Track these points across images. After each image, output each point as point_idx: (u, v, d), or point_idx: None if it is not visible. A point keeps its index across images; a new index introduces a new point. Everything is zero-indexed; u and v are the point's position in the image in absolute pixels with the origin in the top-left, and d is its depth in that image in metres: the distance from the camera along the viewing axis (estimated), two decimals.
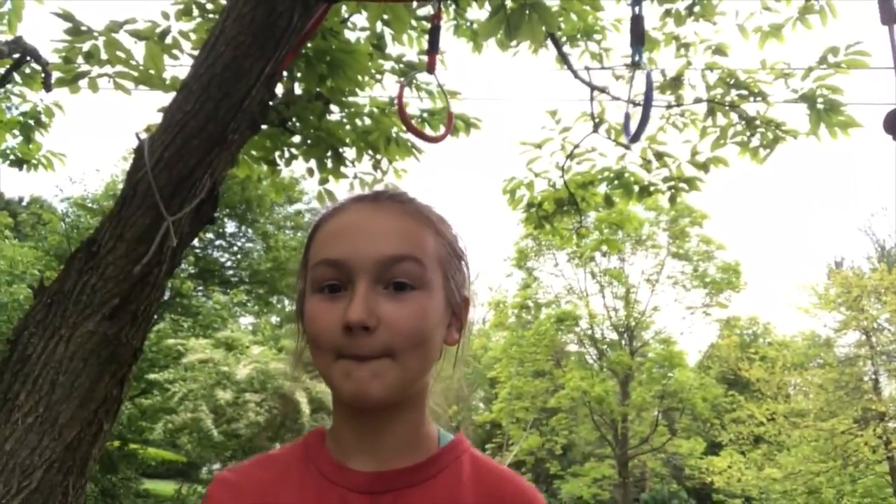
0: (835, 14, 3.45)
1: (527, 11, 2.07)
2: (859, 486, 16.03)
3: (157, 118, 3.17)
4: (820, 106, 3.51)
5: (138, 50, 2.84)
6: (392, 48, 3.72)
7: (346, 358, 0.72)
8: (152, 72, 2.32)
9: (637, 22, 1.21)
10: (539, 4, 2.11)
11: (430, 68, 1.33)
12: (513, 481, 0.81)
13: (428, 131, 3.92)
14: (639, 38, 1.20)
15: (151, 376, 12.52)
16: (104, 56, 2.85)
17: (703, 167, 3.83)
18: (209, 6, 3.28)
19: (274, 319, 22.83)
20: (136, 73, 2.73)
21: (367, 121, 3.68)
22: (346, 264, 0.73)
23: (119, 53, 2.67)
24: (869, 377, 16.10)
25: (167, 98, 2.81)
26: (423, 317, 0.74)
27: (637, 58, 1.21)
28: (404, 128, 3.65)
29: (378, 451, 0.77)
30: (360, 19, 3.54)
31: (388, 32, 3.64)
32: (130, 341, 1.75)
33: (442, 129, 3.76)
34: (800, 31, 3.55)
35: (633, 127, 1.36)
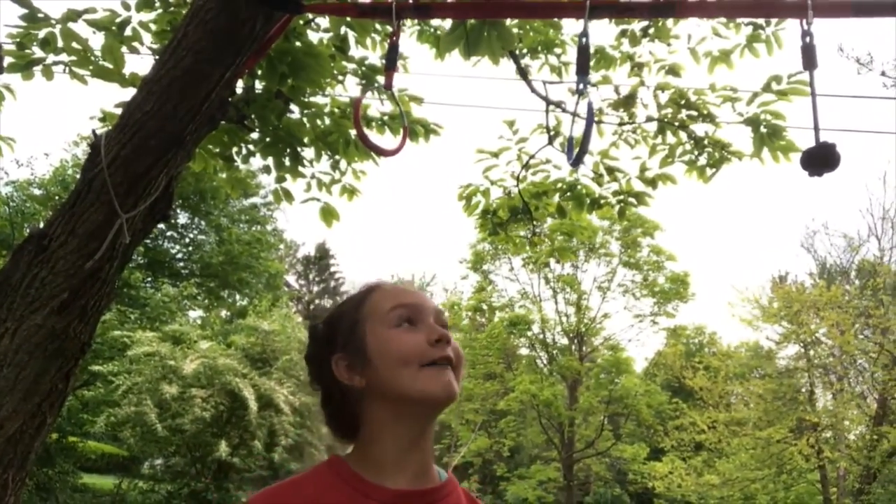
0: (780, 44, 3.62)
1: (485, 29, 2.14)
2: (792, 494, 16.64)
3: (110, 105, 3.14)
4: (763, 130, 3.67)
5: (97, 40, 2.82)
6: (355, 51, 3.76)
7: (433, 365, 0.96)
8: (110, 66, 2.30)
9: (583, 53, 1.28)
10: (497, 22, 2.18)
11: (388, 85, 1.38)
12: None
13: (388, 136, 3.96)
14: (583, 68, 1.27)
15: (95, 368, 12.21)
16: (61, 44, 2.81)
17: (652, 183, 3.97)
18: None
19: (224, 314, 22.47)
20: (91, 66, 2.71)
21: (328, 121, 3.70)
22: (418, 307, 1.01)
23: (75, 45, 2.64)
24: (805, 389, 16.72)
25: (126, 91, 2.80)
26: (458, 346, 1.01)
27: (581, 87, 1.28)
28: (366, 130, 3.69)
29: (414, 466, 0.98)
30: (324, 21, 3.57)
31: (351, 35, 3.67)
32: (79, 336, 1.74)
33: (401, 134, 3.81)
34: (747, 59, 3.71)
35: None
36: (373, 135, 3.91)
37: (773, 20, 3.56)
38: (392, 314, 0.99)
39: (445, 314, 1.04)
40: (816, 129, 1.25)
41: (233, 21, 1.51)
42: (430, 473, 1.00)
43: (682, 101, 3.86)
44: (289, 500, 0.95)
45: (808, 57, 1.28)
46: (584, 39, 1.33)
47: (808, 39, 1.32)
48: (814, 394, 16.76)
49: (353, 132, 3.72)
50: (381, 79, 3.73)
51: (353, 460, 1.00)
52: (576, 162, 1.25)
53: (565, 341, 22.39)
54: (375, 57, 3.83)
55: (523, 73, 3.57)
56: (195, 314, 20.87)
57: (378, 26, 3.71)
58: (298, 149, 3.66)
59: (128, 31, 3.05)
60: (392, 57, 1.40)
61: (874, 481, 14.85)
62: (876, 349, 15.34)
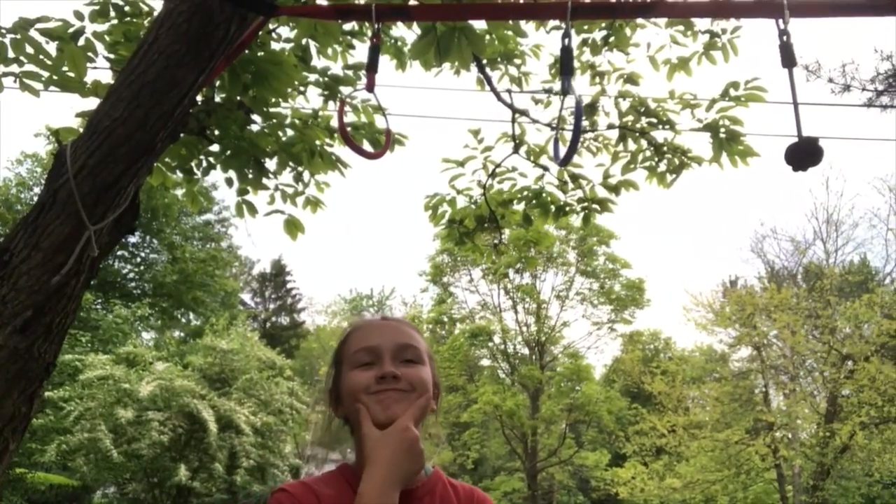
0: (736, 51, 3.73)
1: (456, 35, 2.13)
2: (750, 493, 17.01)
3: (56, 121, 3.03)
4: (722, 135, 3.76)
5: (50, 50, 2.72)
6: (317, 61, 3.72)
7: (377, 394, 1.16)
8: (72, 74, 2.22)
9: (567, 54, 1.28)
10: (468, 28, 2.18)
11: (370, 87, 1.36)
12: (476, 490, 1.27)
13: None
14: (569, 69, 1.27)
15: (45, 394, 11.75)
16: (11, 55, 2.70)
17: (615, 189, 4.02)
18: (127, 8, 3.17)
19: (178, 334, 21.92)
20: (45, 74, 2.61)
21: (290, 132, 3.65)
22: (377, 349, 1.20)
23: (29, 49, 2.53)
24: (760, 390, 17.15)
25: (83, 102, 2.71)
26: (421, 374, 1.20)
27: (567, 86, 1.28)
28: (331, 141, 3.65)
29: None
30: (285, 30, 3.52)
31: (313, 45, 3.64)
32: (43, 356, 1.66)
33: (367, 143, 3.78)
34: (705, 66, 3.81)
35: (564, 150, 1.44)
36: (334, 148, 3.88)
37: (729, 28, 3.66)
38: (355, 356, 1.21)
39: (413, 346, 1.22)
40: (798, 124, 1.27)
41: (207, 24, 1.47)
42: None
43: (643, 109, 3.93)
44: (317, 495, 1.13)
45: (787, 55, 1.30)
46: (566, 40, 1.34)
47: (785, 38, 1.34)
48: (768, 394, 17.21)
49: (317, 143, 3.67)
50: (346, 89, 3.71)
51: (357, 468, 1.17)
52: (564, 162, 1.25)
53: (526, 351, 22.52)
54: (338, 67, 3.80)
55: (489, 80, 3.59)
56: (149, 335, 20.31)
57: (340, 37, 3.69)
58: (261, 160, 3.59)
59: (81, 42, 2.95)
60: (373, 58, 1.38)
61: (827, 477, 15.29)
62: (825, 349, 15.84)
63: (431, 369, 1.26)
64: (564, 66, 1.32)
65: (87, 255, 1.60)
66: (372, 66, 1.39)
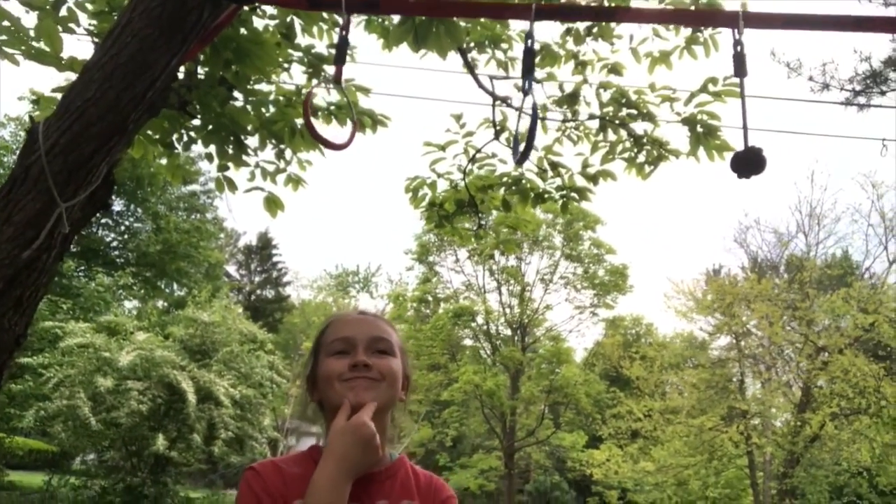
0: (717, 47, 3.76)
1: (434, 23, 2.16)
2: (722, 479, 17.36)
3: (40, 84, 3.02)
4: (699, 129, 3.81)
5: (30, 20, 2.71)
6: (302, 39, 3.71)
7: (348, 381, 1.26)
8: (47, 49, 2.22)
9: (528, 54, 1.32)
10: (447, 17, 2.20)
11: (337, 79, 1.39)
12: (435, 477, 1.37)
13: (335, 125, 3.93)
14: (529, 69, 1.31)
15: (23, 360, 11.72)
16: None
17: (593, 179, 4.07)
18: None
19: (161, 304, 21.87)
20: (24, 46, 2.60)
21: (273, 109, 3.65)
22: (352, 339, 1.30)
23: (6, 23, 2.52)
24: (736, 378, 17.43)
25: (62, 75, 2.70)
26: (392, 364, 1.30)
27: (527, 87, 1.32)
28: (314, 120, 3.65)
29: None
30: (270, 7, 3.51)
31: (297, 23, 3.63)
32: (13, 328, 1.69)
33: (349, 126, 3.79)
34: (686, 60, 3.84)
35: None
36: (319, 125, 3.87)
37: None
38: (331, 345, 1.31)
39: (385, 339, 1.32)
40: (745, 133, 1.32)
41: (180, 8, 1.49)
42: (381, 458, 1.26)
43: (623, 100, 3.96)
44: (283, 474, 1.22)
45: (739, 64, 1.35)
46: (529, 41, 1.37)
47: (739, 48, 1.39)
48: (744, 383, 17.50)
49: (299, 121, 3.67)
50: (329, 68, 3.71)
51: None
52: (520, 161, 1.30)
53: (508, 332, 22.70)
54: (322, 45, 3.78)
55: (470, 68, 3.61)
56: (131, 304, 20.26)
57: (325, 15, 3.68)
58: (242, 137, 3.59)
59: (63, 12, 2.93)
60: (341, 51, 1.40)
61: (797, 465, 15.63)
62: (801, 340, 16.11)
63: (403, 362, 1.36)
64: (526, 66, 1.35)
65: (59, 231, 1.63)
66: (340, 58, 1.41)
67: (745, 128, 1.30)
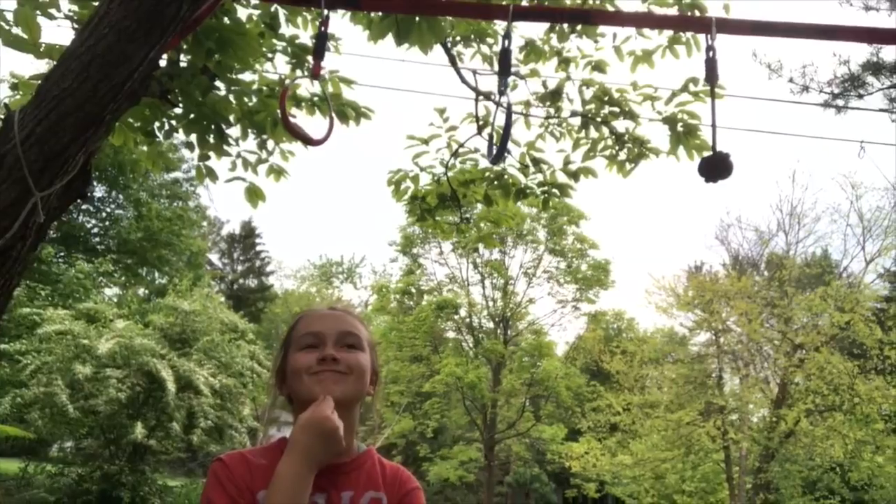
0: (698, 47, 3.79)
1: (416, 19, 2.17)
2: (698, 472, 17.59)
3: (18, 68, 2.98)
4: (680, 128, 3.85)
5: (9, 3, 2.68)
6: (286, 28, 3.69)
7: (317, 374, 1.28)
8: (24, 35, 2.20)
9: (505, 55, 1.34)
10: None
11: (315, 75, 1.40)
12: (402, 469, 1.39)
13: (317, 117, 3.92)
14: (505, 69, 1.33)
15: (0, 347, 11.59)
16: None
17: (574, 176, 4.10)
18: None
19: (142, 292, 21.69)
20: (1, 31, 2.57)
21: (255, 100, 3.63)
22: (321, 334, 1.32)
23: None
24: (714, 374, 17.64)
25: (41, 62, 2.68)
26: (360, 359, 1.32)
27: (503, 87, 1.34)
28: (297, 111, 3.65)
29: None
30: None
31: (282, 12, 3.61)
32: None
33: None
34: (668, 59, 3.87)
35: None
36: (301, 115, 3.86)
37: None
38: (301, 340, 1.33)
39: (354, 334, 1.34)
40: (714, 137, 1.35)
41: (158, 1, 1.49)
42: (347, 450, 1.29)
43: (606, 98, 3.99)
44: (249, 465, 1.24)
45: (711, 70, 1.37)
46: (506, 42, 1.39)
47: (711, 54, 1.41)
48: (722, 378, 17.72)
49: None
50: (311, 59, 3.69)
51: None
52: (495, 160, 1.31)
53: (491, 325, 22.78)
54: (306, 36, 3.77)
55: (454, 63, 3.62)
56: (111, 292, 20.07)
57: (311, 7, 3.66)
58: (224, 126, 3.58)
59: None
60: (320, 46, 1.41)
61: (772, 460, 15.88)
62: (779, 337, 16.32)
63: (371, 357, 1.38)
64: (502, 66, 1.37)
65: (34, 221, 1.62)
66: (318, 53, 1.42)
67: (713, 130, 1.33)
